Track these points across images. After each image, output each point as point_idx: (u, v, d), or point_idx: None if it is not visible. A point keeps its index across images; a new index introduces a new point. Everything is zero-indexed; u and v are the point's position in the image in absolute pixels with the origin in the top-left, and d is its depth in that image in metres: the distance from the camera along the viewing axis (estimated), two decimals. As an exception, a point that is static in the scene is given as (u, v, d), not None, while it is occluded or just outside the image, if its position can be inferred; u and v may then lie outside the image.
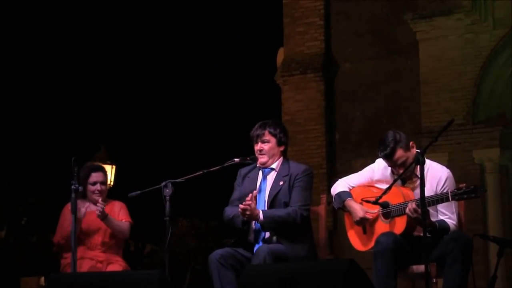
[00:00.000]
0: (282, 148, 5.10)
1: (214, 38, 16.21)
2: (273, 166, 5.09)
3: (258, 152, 5.06)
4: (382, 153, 4.77)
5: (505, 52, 10.71)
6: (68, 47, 15.70)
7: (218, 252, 4.87)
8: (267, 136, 5.05)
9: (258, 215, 4.87)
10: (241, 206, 4.86)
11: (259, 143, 5.05)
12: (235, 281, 4.76)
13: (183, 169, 5.94)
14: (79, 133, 15.25)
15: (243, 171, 5.20)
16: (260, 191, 5.06)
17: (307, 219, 4.99)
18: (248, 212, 4.84)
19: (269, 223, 4.87)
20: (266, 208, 4.98)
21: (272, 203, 4.98)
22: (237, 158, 5.10)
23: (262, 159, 5.06)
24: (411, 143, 4.78)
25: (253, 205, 4.85)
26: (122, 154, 13.73)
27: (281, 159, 5.10)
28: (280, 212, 4.91)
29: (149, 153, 16.29)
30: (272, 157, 5.07)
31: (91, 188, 5.76)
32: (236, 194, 5.16)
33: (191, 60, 16.35)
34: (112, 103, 16.04)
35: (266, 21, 14.05)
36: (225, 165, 5.06)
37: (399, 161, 4.77)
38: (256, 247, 4.90)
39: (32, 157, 15.24)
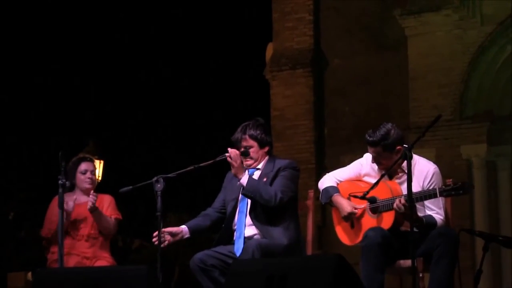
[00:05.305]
0: (266, 149, 5.09)
1: (203, 33, 16.19)
2: (259, 166, 5.10)
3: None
4: (367, 137, 4.79)
5: (493, 48, 10.76)
6: (56, 42, 15.63)
7: (197, 257, 4.87)
8: (249, 142, 5.04)
9: (242, 175, 4.91)
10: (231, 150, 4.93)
11: (242, 149, 5.05)
12: (220, 277, 4.77)
13: (173, 164, 5.94)
14: (67, 128, 15.20)
15: (230, 174, 5.18)
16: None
17: (288, 207, 4.97)
18: (237, 163, 4.87)
19: (248, 189, 4.89)
20: (249, 207, 4.98)
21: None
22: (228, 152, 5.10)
23: (246, 162, 5.07)
24: (397, 147, 4.73)
25: (238, 160, 4.89)
26: (110, 149, 13.70)
27: (266, 158, 5.10)
28: (262, 185, 4.92)
29: (137, 149, 16.27)
30: (256, 160, 5.08)
31: (81, 177, 5.72)
32: (220, 197, 5.19)
33: (180, 55, 16.32)
34: (100, 98, 16.00)
35: (255, 16, 14.04)
36: (217, 159, 5.05)
37: (374, 154, 4.80)
38: (237, 244, 4.92)
39: (19, 152, 15.18)
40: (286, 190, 4.93)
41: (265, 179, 5.00)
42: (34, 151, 14.92)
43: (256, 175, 5.08)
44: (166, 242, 5.00)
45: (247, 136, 5.05)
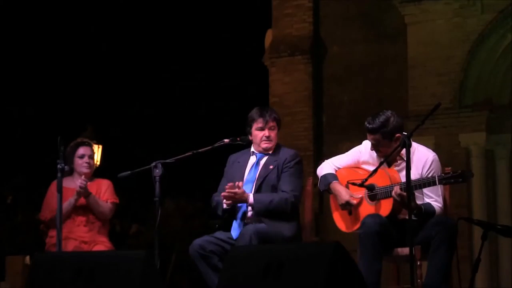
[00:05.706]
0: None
1: (202, 19, 16.14)
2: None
3: (265, 138, 5.05)
4: (366, 124, 4.78)
5: (492, 36, 10.73)
6: (54, 28, 15.58)
7: (196, 242, 4.88)
8: (274, 123, 5.07)
9: (247, 198, 4.88)
10: (223, 194, 4.87)
11: (267, 130, 5.05)
12: (219, 264, 4.78)
13: (170, 149, 5.93)
14: (65, 113, 15.18)
15: (232, 157, 5.19)
16: (249, 175, 5.06)
17: (297, 206, 5.01)
18: (236, 197, 4.85)
19: (259, 208, 4.88)
20: (253, 190, 4.98)
21: (260, 185, 4.99)
22: (227, 138, 5.09)
23: (268, 145, 5.07)
24: (397, 135, 4.72)
25: (240, 190, 4.85)
26: (109, 134, 13.68)
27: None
28: (270, 197, 4.91)
29: (136, 134, 16.25)
30: (275, 143, 5.10)
31: (78, 161, 5.72)
32: (223, 182, 5.16)
33: (179, 40, 16.27)
34: (99, 82, 15.97)
35: (254, 3, 13.99)
36: (215, 145, 5.05)
37: (373, 142, 4.79)
38: (236, 228, 4.92)
39: (18, 136, 15.17)
40: (295, 190, 4.97)
41: (271, 167, 5.02)
42: (32, 139, 14.91)
43: (264, 160, 5.10)
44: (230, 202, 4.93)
45: (273, 118, 5.06)
